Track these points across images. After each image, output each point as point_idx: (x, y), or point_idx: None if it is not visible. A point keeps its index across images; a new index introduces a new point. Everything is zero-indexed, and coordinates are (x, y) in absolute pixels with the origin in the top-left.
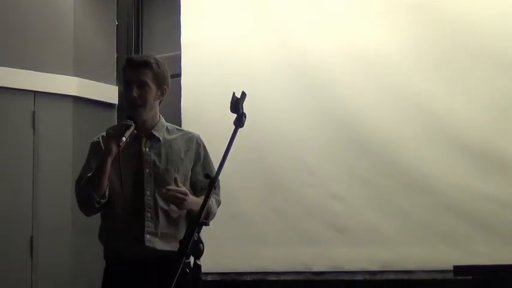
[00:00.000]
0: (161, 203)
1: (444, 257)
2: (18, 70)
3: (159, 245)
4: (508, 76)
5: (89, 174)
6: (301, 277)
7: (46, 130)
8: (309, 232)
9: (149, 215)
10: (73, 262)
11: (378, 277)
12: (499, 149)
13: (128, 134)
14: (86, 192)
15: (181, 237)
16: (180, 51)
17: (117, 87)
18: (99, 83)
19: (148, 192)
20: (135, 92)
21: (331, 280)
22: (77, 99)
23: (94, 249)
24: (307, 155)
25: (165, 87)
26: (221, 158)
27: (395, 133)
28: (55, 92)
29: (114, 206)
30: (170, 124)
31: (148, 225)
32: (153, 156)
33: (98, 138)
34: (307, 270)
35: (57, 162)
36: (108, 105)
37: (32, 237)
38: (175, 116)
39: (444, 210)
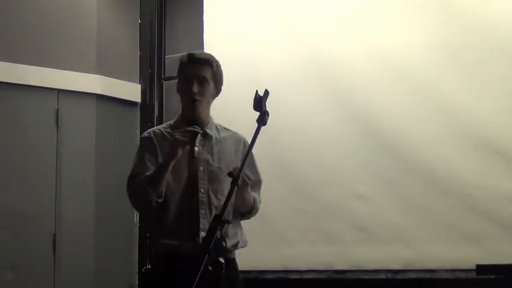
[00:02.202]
0: (214, 201)
1: (467, 256)
2: (42, 68)
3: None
4: None
5: (147, 173)
6: (322, 276)
7: (69, 128)
8: (330, 231)
9: (203, 212)
10: (95, 260)
11: (400, 276)
12: None
13: (197, 142)
14: (144, 191)
15: (234, 234)
16: (203, 49)
17: (140, 85)
18: (122, 81)
19: (202, 190)
20: (195, 88)
21: (353, 279)
22: (100, 97)
23: (116, 247)
24: (328, 154)
25: (220, 86)
26: (244, 155)
27: (418, 133)
28: (78, 90)
29: (168, 204)
30: (218, 123)
31: (203, 223)
32: (206, 155)
33: (150, 134)
34: (329, 269)
35: (80, 160)
36: (131, 104)
37: (54, 235)
38: None
39: (467, 210)
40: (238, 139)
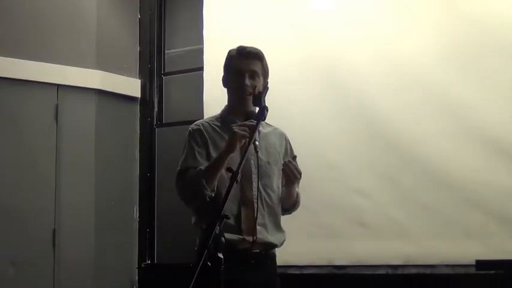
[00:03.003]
0: (265, 195)
1: (467, 252)
2: (42, 63)
3: (267, 236)
4: None
5: (201, 167)
6: (323, 271)
7: (69, 123)
8: (331, 226)
9: (257, 206)
10: (95, 255)
11: (400, 271)
12: None
13: (257, 136)
14: (198, 185)
15: (281, 230)
16: (203, 45)
17: (139, 80)
18: (122, 76)
19: (254, 183)
20: (247, 81)
21: (353, 274)
22: (100, 93)
23: (116, 242)
24: (329, 150)
25: (267, 81)
26: (243, 150)
27: (419, 128)
28: (78, 85)
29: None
30: None
31: (259, 217)
32: (256, 148)
33: (199, 126)
34: (329, 264)
35: (79, 155)
36: (131, 99)
37: (54, 230)
38: (197, 109)
39: (467, 205)
40: (280, 134)
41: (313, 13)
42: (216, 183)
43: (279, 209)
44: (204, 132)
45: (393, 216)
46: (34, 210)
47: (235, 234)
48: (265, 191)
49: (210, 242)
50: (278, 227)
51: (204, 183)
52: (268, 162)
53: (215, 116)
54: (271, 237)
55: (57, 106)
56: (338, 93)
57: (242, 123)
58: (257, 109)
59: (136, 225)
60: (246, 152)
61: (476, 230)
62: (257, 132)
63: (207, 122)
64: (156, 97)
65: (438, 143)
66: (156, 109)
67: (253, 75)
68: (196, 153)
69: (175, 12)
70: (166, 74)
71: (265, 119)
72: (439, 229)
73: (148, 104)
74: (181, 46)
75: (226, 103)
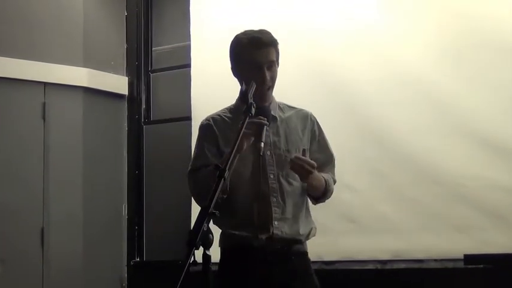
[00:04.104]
0: (286, 186)
1: (455, 246)
2: (29, 61)
3: (287, 231)
4: None
5: (210, 168)
6: (312, 266)
7: (56, 121)
8: (319, 222)
9: (275, 200)
10: (84, 253)
11: (389, 266)
12: (510, 137)
13: (264, 136)
14: (209, 186)
15: (306, 222)
16: (190, 41)
17: (127, 78)
18: (109, 73)
19: (272, 176)
20: (268, 75)
21: (343, 269)
22: (87, 90)
23: (105, 240)
24: None
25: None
26: (231, 147)
27: (407, 123)
28: (65, 83)
29: (237, 194)
30: (280, 101)
31: (276, 211)
32: (273, 137)
33: (209, 121)
34: (318, 260)
35: (67, 153)
36: (118, 96)
37: (42, 229)
38: (185, 106)
39: (455, 200)
40: (304, 115)
41: (303, 8)
42: (227, 183)
43: (303, 200)
44: (214, 126)
45: (382, 211)
46: (22, 208)
47: (250, 230)
48: (286, 181)
49: (198, 239)
50: (302, 219)
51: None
52: (288, 151)
53: (229, 107)
54: (293, 231)
55: (44, 104)
56: (328, 90)
57: (250, 120)
58: (272, 103)
59: (125, 223)
60: (234, 149)
61: (465, 224)
62: (265, 131)
63: (218, 115)
64: (143, 94)
65: (426, 138)
66: (143, 106)
67: (271, 65)
68: (206, 150)
69: (162, 9)
70: (153, 71)
71: (252, 115)
72: (428, 224)
73: (135, 102)
74: (169, 43)
75: (239, 94)
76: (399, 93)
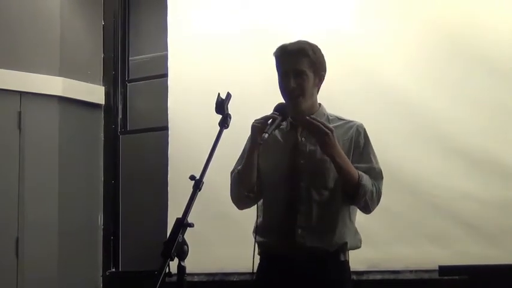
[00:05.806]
0: (316, 196)
1: (431, 257)
2: (4, 70)
3: (311, 240)
4: (497, 80)
5: (238, 168)
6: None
7: (32, 130)
8: None
9: (302, 208)
10: (59, 263)
11: (365, 277)
12: (485, 149)
13: (271, 129)
14: (234, 186)
15: (339, 233)
16: (167, 51)
17: (103, 87)
18: (85, 83)
19: (302, 184)
20: (293, 82)
21: None
22: (63, 100)
23: (80, 250)
24: None
25: (322, 73)
26: (206, 158)
27: (383, 133)
28: (41, 92)
29: (267, 199)
30: (332, 113)
31: (301, 219)
32: (309, 146)
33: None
34: None
35: (43, 163)
36: (95, 106)
37: (17, 238)
38: (161, 116)
39: (431, 211)
40: (350, 126)
41: (281, 20)
42: (251, 182)
43: (338, 210)
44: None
45: (357, 221)
46: None
47: (273, 237)
48: (317, 191)
49: (173, 250)
50: (333, 229)
51: (238, 184)
52: (323, 160)
53: None
54: (318, 240)
55: (20, 114)
56: None
57: (263, 116)
58: (317, 113)
59: (100, 233)
60: (210, 156)
61: (440, 235)
62: (270, 129)
63: None
64: (120, 104)
65: (402, 149)
66: (120, 116)
67: (299, 74)
68: (244, 153)
69: (139, 19)
70: (130, 81)
71: (228, 126)
72: (402, 234)
73: (112, 111)
74: (146, 53)
75: None
76: (375, 104)
